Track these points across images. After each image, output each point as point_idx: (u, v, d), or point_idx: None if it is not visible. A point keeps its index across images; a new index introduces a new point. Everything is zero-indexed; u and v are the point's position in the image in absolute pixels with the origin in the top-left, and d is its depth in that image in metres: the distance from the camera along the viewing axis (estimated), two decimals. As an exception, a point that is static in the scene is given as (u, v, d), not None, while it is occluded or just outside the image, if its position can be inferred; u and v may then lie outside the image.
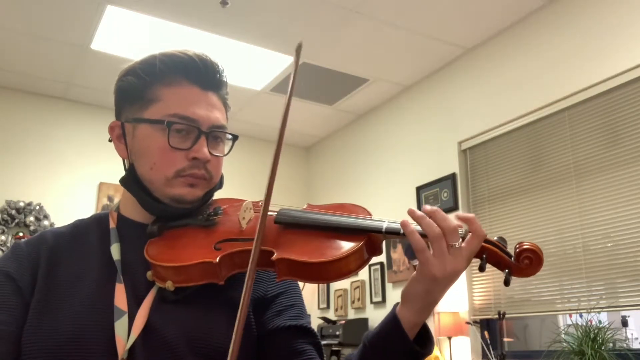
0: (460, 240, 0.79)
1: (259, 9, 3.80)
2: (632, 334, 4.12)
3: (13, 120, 4.88)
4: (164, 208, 0.96)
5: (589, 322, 2.99)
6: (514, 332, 4.14)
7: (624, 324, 3.90)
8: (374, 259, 4.83)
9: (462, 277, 4.00)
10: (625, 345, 3.04)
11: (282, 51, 4.31)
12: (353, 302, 5.10)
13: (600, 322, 3.02)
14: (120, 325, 0.86)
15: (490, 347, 3.57)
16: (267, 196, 0.82)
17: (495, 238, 0.82)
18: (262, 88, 4.87)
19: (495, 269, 0.83)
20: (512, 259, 0.80)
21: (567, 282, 3.40)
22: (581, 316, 3.06)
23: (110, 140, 1.03)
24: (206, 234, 0.93)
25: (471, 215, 0.81)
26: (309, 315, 1.05)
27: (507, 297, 3.78)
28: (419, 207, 4.83)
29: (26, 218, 4.71)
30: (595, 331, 2.92)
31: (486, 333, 3.64)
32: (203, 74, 0.99)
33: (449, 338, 3.95)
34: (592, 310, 3.06)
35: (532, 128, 3.76)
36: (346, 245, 0.82)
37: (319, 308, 5.56)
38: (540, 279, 3.57)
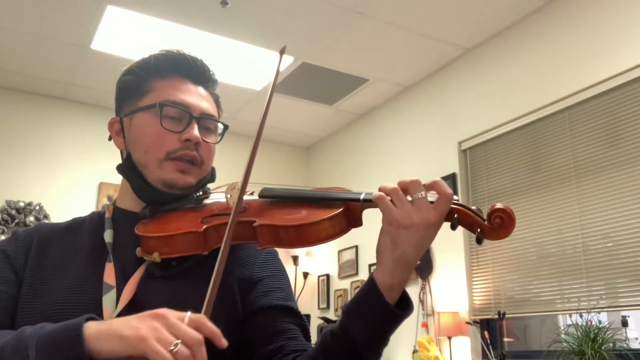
0: (424, 192, 0.82)
1: (259, 9, 3.80)
2: (632, 335, 4.12)
3: (13, 120, 4.88)
4: (156, 193, 1.01)
5: (589, 322, 2.99)
6: (514, 332, 4.14)
7: (624, 324, 3.89)
8: (374, 260, 4.84)
9: (462, 277, 4.00)
10: (625, 345, 3.04)
11: (282, 51, 4.30)
12: (353, 302, 5.09)
13: (600, 322, 3.02)
14: (108, 299, 0.90)
15: (490, 347, 3.57)
16: (248, 168, 0.87)
17: (473, 207, 0.85)
18: (262, 88, 4.87)
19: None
20: (485, 221, 0.83)
21: (567, 282, 3.40)
22: (581, 316, 3.06)
23: (110, 139, 1.09)
24: (195, 212, 0.99)
25: (437, 179, 0.83)
26: (296, 301, 1.06)
27: (507, 297, 3.78)
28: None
29: (26, 218, 4.71)
30: (595, 331, 2.92)
31: (486, 333, 3.64)
32: (194, 70, 1.07)
33: (449, 338, 3.95)
34: (592, 310, 3.06)
35: (532, 128, 3.76)
36: (325, 212, 0.87)
37: (319, 308, 5.56)
38: (540, 279, 3.57)
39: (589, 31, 3.44)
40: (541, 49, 3.73)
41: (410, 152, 4.72)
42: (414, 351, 3.99)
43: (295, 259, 5.59)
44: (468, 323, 3.87)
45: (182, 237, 0.92)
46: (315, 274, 5.67)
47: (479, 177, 4.13)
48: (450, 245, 4.11)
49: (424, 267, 4.27)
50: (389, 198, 0.82)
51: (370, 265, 4.84)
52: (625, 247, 3.13)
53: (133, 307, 0.89)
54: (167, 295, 0.90)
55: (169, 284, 0.93)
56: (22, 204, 4.73)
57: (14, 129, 4.86)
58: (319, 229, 0.86)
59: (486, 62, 4.14)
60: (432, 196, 0.83)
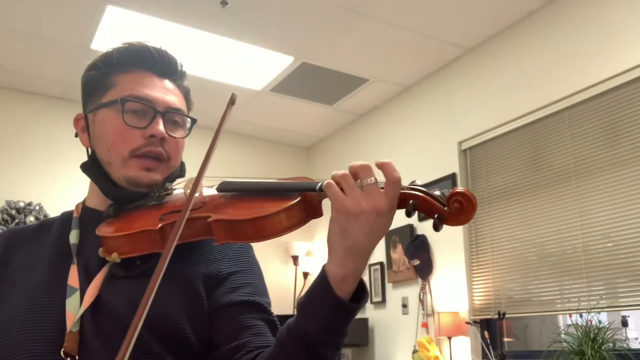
0: (374, 178, 0.78)
1: (259, 9, 3.80)
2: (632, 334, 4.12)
3: (13, 120, 4.88)
4: (121, 192, 0.99)
5: (589, 322, 2.99)
6: (514, 332, 4.14)
7: (624, 324, 3.89)
8: (374, 259, 4.84)
9: (462, 277, 4.00)
10: (625, 345, 3.04)
11: (282, 51, 4.31)
12: (353, 302, 5.09)
13: (600, 322, 3.02)
14: (72, 302, 0.89)
15: (490, 347, 3.57)
16: (202, 166, 0.84)
17: (437, 192, 0.80)
18: (262, 88, 4.87)
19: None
20: (444, 206, 0.78)
21: (567, 282, 3.40)
22: (581, 316, 3.06)
23: (76, 135, 1.07)
24: (155, 210, 0.96)
25: (386, 160, 0.80)
26: (268, 296, 1.03)
27: (507, 297, 3.78)
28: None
29: (26, 218, 4.71)
30: (595, 331, 2.92)
31: (486, 333, 3.64)
32: (159, 63, 1.02)
33: (449, 338, 3.95)
34: (592, 310, 3.06)
35: (532, 128, 3.76)
36: (279, 204, 0.84)
37: (319, 308, 5.56)
38: (540, 279, 3.57)
39: (589, 31, 3.44)
40: (541, 49, 3.73)
41: (410, 152, 4.72)
42: (414, 351, 3.99)
43: (295, 259, 5.59)
44: (468, 323, 3.87)
45: (139, 236, 0.90)
46: (315, 274, 5.65)
47: (479, 177, 4.13)
48: (450, 245, 4.11)
49: (424, 267, 4.27)
50: (338, 186, 0.78)
51: (370, 265, 4.84)
52: (625, 247, 3.13)
53: (97, 308, 0.89)
54: (129, 295, 0.89)
55: (132, 284, 0.91)
56: (22, 204, 4.73)
57: (14, 129, 4.86)
58: (274, 221, 0.83)
59: (486, 62, 4.14)
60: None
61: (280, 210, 0.83)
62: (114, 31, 4.02)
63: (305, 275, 5.64)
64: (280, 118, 5.51)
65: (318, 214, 0.88)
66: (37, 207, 4.77)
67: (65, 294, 0.90)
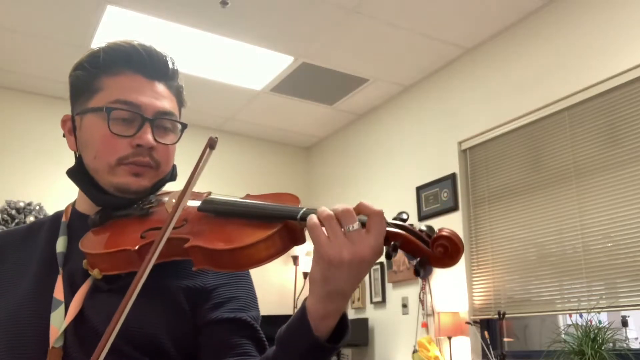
0: (358, 223, 0.73)
1: (259, 9, 3.80)
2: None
3: (13, 120, 4.88)
4: (108, 199, 0.96)
5: (589, 322, 2.99)
6: (514, 332, 4.14)
7: (624, 324, 3.89)
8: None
9: (462, 277, 4.00)
10: (625, 345, 3.04)
11: (282, 51, 4.31)
12: (353, 302, 5.10)
13: (600, 322, 3.02)
14: (57, 316, 0.87)
15: (490, 347, 3.57)
16: (186, 185, 0.81)
17: (423, 227, 0.75)
18: (262, 88, 4.87)
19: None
20: (428, 245, 0.73)
21: (567, 282, 3.40)
22: (581, 316, 3.06)
23: (63, 136, 1.03)
24: (140, 223, 0.92)
25: (377, 209, 0.74)
26: (256, 308, 0.99)
27: (507, 297, 3.78)
28: (419, 208, 4.77)
29: (26, 218, 4.71)
30: (595, 331, 2.92)
31: (486, 333, 3.64)
32: (147, 64, 0.97)
33: (449, 338, 3.95)
34: (592, 310, 3.06)
35: (532, 128, 3.76)
36: (259, 233, 0.80)
37: (319, 308, 5.56)
38: (540, 279, 3.57)
39: (589, 31, 3.44)
40: (541, 49, 3.73)
41: (410, 152, 4.72)
42: (414, 351, 3.99)
43: (295, 259, 5.59)
44: (468, 323, 3.87)
45: (117, 255, 0.87)
46: (315, 274, 5.66)
47: (479, 177, 4.13)
48: (450, 245, 4.10)
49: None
50: (322, 228, 0.74)
51: (370, 265, 4.84)
52: (625, 247, 3.13)
53: (79, 322, 0.87)
54: (112, 309, 0.85)
55: (116, 298, 0.85)
56: (22, 204, 4.73)
57: (14, 129, 4.86)
58: (252, 252, 0.79)
59: (486, 62, 4.14)
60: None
61: (260, 240, 0.79)
62: (114, 31, 4.02)
63: (305, 275, 5.64)
64: (280, 118, 5.51)
65: (300, 241, 0.83)
66: (37, 207, 4.77)
67: (49, 307, 0.87)
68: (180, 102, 1.04)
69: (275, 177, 5.85)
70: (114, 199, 0.96)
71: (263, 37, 4.13)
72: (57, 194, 4.85)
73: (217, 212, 0.88)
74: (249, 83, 4.79)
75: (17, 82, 4.83)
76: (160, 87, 0.98)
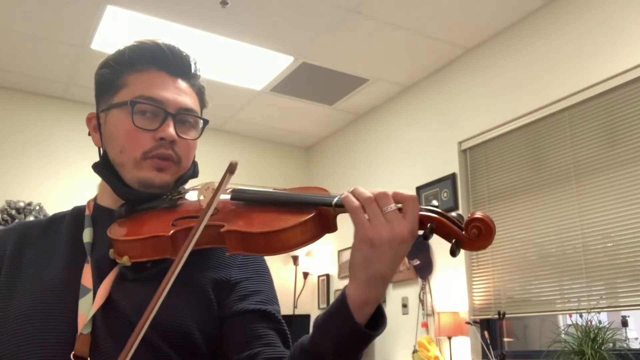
0: (394, 205, 0.77)
1: (259, 9, 3.80)
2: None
3: (13, 120, 4.88)
4: (133, 193, 0.98)
5: (589, 322, 2.99)
6: (514, 332, 4.14)
7: (624, 324, 3.89)
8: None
9: (462, 277, 4.00)
10: (625, 345, 3.04)
11: (282, 51, 4.31)
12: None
13: (600, 322, 3.02)
14: (85, 302, 0.88)
15: (490, 347, 3.57)
16: (223, 176, 0.83)
17: (454, 214, 0.80)
18: (262, 88, 4.87)
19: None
20: (462, 230, 0.78)
21: (567, 282, 3.40)
22: (581, 316, 3.06)
23: (89, 134, 1.05)
24: (168, 214, 0.95)
25: (405, 192, 0.79)
26: (278, 304, 1.02)
27: (507, 297, 3.78)
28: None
29: (26, 218, 4.71)
30: (595, 331, 2.92)
31: (486, 333, 3.64)
32: (171, 62, 1.01)
33: (449, 338, 3.95)
34: (592, 310, 3.06)
35: (532, 128, 3.76)
36: (294, 218, 0.82)
37: (319, 308, 5.56)
38: (540, 279, 3.57)
39: (589, 31, 3.44)
40: (541, 49, 3.73)
41: (410, 152, 4.72)
42: (414, 351, 3.99)
43: (295, 259, 5.59)
44: (468, 323, 3.87)
45: (151, 241, 0.89)
46: (315, 274, 5.67)
47: (479, 177, 4.13)
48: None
49: (424, 267, 4.27)
50: (363, 211, 0.77)
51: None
52: (625, 247, 3.13)
53: (107, 309, 0.88)
54: (138, 299, 0.88)
55: (142, 287, 0.90)
56: (22, 204, 4.73)
57: (14, 129, 4.86)
58: (288, 236, 0.81)
59: (486, 62, 4.14)
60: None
61: (296, 225, 0.81)
62: (114, 31, 4.02)
63: (305, 275, 5.64)
64: (280, 118, 5.51)
65: (333, 228, 0.85)
66: (37, 207, 4.77)
67: (77, 294, 0.89)
68: (202, 102, 1.06)
69: (275, 177, 5.85)
70: (138, 193, 0.98)
71: (263, 37, 4.13)
72: (57, 194, 4.87)
73: (250, 199, 0.91)
74: (248, 83, 4.79)
75: (17, 82, 4.83)
76: (183, 85, 1.01)
